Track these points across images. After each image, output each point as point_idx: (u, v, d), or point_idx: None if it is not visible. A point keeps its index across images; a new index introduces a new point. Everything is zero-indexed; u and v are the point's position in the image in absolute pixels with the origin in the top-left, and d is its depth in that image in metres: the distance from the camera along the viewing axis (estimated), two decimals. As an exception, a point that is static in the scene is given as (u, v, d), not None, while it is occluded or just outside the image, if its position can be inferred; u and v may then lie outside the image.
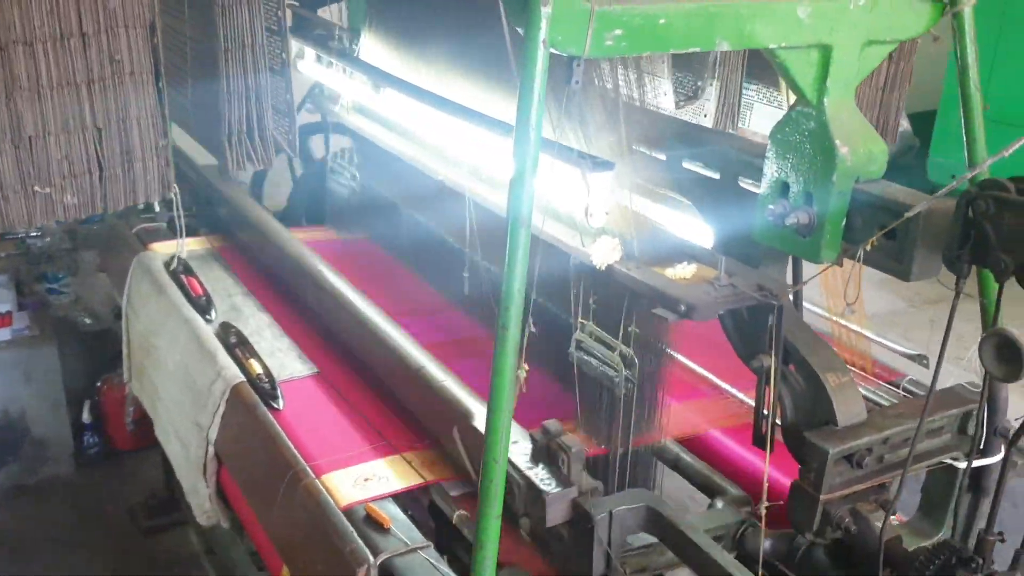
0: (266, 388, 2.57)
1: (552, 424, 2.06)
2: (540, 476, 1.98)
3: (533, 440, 2.07)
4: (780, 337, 2.25)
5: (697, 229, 2.49)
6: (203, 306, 3.01)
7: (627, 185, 2.32)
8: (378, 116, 3.36)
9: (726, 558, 1.89)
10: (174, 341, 2.94)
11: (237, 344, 2.79)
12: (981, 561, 1.97)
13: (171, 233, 3.53)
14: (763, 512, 2.07)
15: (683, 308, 2.12)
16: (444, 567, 1.97)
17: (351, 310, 2.76)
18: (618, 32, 1.72)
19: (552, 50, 1.63)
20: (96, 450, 4.88)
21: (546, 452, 2.03)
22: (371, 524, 2.08)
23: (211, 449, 2.62)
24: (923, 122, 6.45)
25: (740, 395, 2.77)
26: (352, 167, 3.73)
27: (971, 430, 2.36)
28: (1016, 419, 1.97)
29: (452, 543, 2.14)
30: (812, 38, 1.95)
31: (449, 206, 3.05)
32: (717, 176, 2.40)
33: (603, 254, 2.32)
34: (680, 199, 2.48)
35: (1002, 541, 2.01)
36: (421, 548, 2.01)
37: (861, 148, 2.03)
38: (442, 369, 2.42)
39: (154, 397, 3.09)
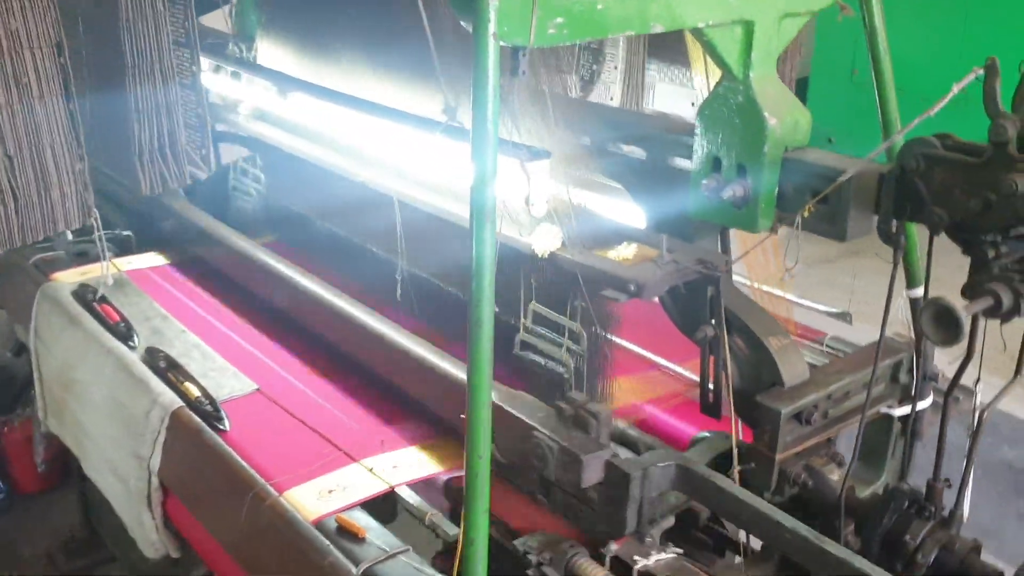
0: (208, 410, 2.49)
1: (576, 394, 2.13)
2: (573, 442, 2.04)
3: (559, 410, 2.13)
4: (721, 307, 2.32)
5: (628, 211, 2.55)
6: (124, 333, 2.89)
7: (561, 173, 2.34)
8: (284, 122, 3.29)
9: (762, 504, 1.97)
10: (98, 373, 2.81)
11: (168, 368, 2.70)
12: (933, 508, 2.08)
13: (72, 261, 3.41)
14: (736, 476, 2.14)
15: (633, 288, 2.16)
16: (428, 569, 1.96)
17: (340, 312, 2.75)
18: (559, 20, 1.74)
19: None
20: (1, 496, 4.63)
21: (573, 420, 2.09)
22: (345, 535, 2.05)
23: (155, 480, 2.53)
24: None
25: (678, 368, 2.84)
26: (256, 177, 3.65)
27: (903, 378, 2.49)
28: (951, 362, 2.08)
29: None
30: (735, 14, 2.01)
31: (368, 208, 3.03)
32: (644, 157, 2.46)
33: (544, 242, 2.35)
34: (609, 183, 2.53)
35: (948, 487, 2.13)
36: (401, 553, 2.00)
37: (788, 118, 2.11)
38: (441, 355, 2.45)
39: (79, 434, 2.96)
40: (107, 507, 3.76)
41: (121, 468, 2.67)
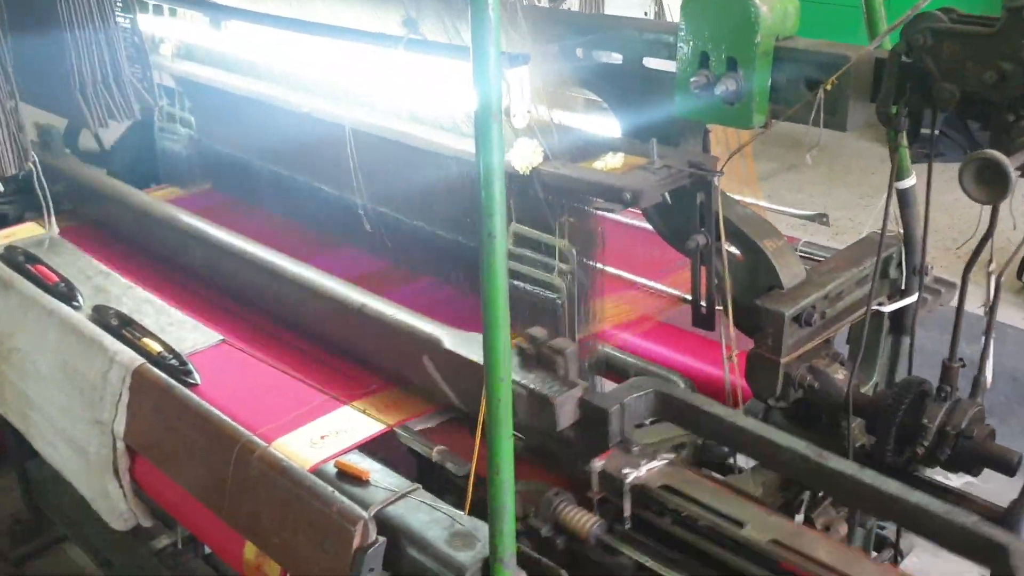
0: (175, 365, 2.31)
1: (537, 331, 1.99)
2: (540, 383, 1.90)
3: (520, 350, 1.98)
4: (712, 212, 2.23)
5: (604, 124, 2.44)
6: (65, 293, 2.67)
7: (539, 82, 2.21)
8: (217, 58, 3.07)
9: (752, 423, 1.89)
10: (41, 338, 2.59)
11: (121, 325, 2.50)
12: (949, 389, 2.05)
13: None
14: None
15: (628, 196, 2.05)
16: (443, 505, 1.84)
17: (261, 265, 2.53)
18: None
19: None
20: (-69, 487, 4.32)
21: (537, 359, 1.95)
22: (348, 480, 1.92)
23: (120, 444, 2.35)
24: None
25: (658, 285, 2.75)
26: (186, 121, 3.41)
27: (893, 273, 2.46)
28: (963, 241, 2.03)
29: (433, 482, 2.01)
30: None
31: (316, 139, 2.85)
32: (620, 61, 2.34)
33: (524, 157, 2.22)
34: (584, 94, 2.41)
35: (963, 366, 2.10)
36: (410, 492, 1.88)
37: (778, 5, 2.01)
38: (384, 302, 2.26)
39: (24, 407, 2.73)
40: (52, 486, 3.56)
41: (79, 437, 2.47)
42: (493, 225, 1.55)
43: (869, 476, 1.67)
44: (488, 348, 1.59)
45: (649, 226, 2.97)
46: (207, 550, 3.35)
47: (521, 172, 2.22)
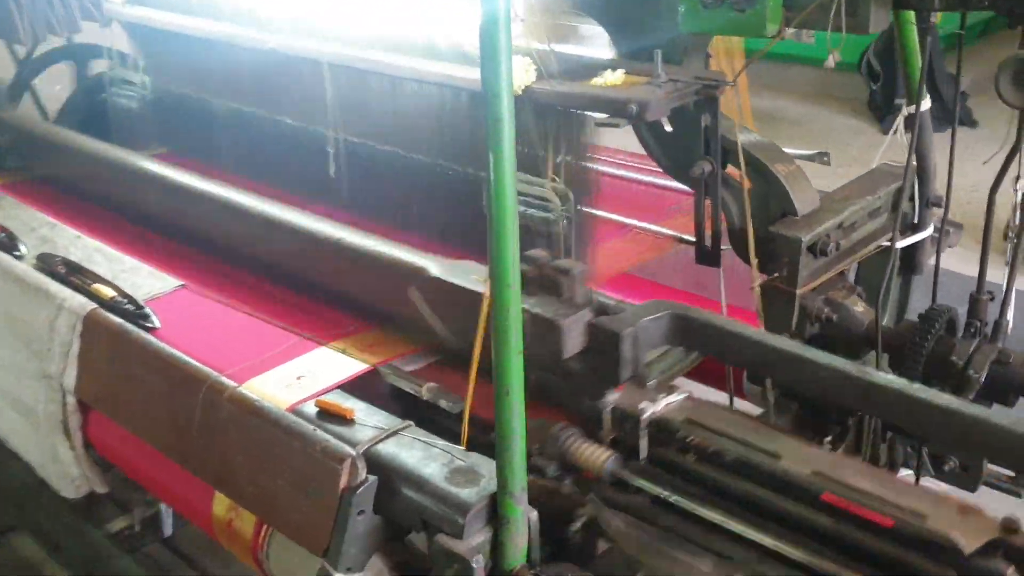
0: (130, 309, 2.09)
1: (538, 252, 1.79)
2: (545, 307, 1.70)
3: (521, 274, 1.77)
4: (717, 136, 2.07)
5: (599, 45, 2.27)
6: (6, 244, 2.43)
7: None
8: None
9: (785, 342, 1.72)
10: (-21, 291, 2.36)
11: (70, 272, 2.27)
12: (979, 323, 1.91)
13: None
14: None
15: (634, 108, 1.88)
16: (439, 441, 1.65)
17: (232, 207, 2.33)
18: None
19: None
20: None
21: (539, 283, 1.75)
22: (330, 419, 1.71)
23: (71, 399, 2.12)
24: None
25: (651, 227, 2.58)
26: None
27: (904, 205, 2.31)
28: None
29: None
30: None
31: (287, 82, 2.65)
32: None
33: (516, 77, 2.03)
34: (575, 19, 2.24)
35: (991, 299, 1.96)
36: (402, 429, 1.68)
37: (793, -101, 1.86)
38: (360, 234, 2.06)
39: (-38, 369, 2.48)
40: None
41: (25, 396, 2.23)
42: (500, 132, 1.37)
43: (920, 391, 1.50)
44: (495, 246, 1.40)
45: (638, 176, 2.85)
46: (168, 532, 3.13)
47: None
